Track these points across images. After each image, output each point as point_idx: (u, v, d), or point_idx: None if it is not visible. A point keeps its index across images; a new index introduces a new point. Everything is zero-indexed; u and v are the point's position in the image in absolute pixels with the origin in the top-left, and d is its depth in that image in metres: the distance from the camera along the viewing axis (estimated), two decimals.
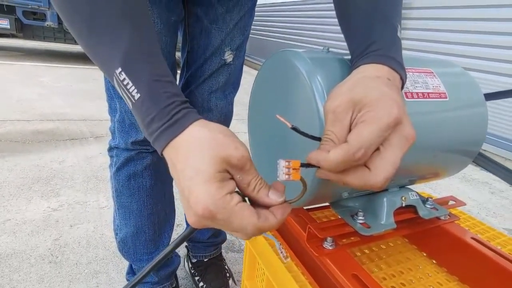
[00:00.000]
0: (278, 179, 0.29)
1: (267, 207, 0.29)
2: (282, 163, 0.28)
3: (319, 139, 0.31)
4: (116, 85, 0.30)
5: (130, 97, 0.30)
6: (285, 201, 0.30)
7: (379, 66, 0.33)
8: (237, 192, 0.29)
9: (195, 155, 0.27)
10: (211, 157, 0.27)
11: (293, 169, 0.28)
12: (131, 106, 0.30)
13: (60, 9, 0.31)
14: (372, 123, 0.28)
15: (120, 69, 0.29)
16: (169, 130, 0.29)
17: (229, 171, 0.28)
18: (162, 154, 0.30)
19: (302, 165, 0.29)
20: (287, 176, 0.28)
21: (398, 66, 0.34)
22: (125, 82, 0.29)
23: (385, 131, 0.28)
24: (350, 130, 0.30)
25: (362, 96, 0.30)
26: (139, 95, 0.29)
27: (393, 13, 0.38)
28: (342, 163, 0.28)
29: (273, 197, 0.29)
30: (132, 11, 0.30)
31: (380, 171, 0.29)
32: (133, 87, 0.29)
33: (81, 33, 0.31)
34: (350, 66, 0.39)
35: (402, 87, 0.35)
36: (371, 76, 0.32)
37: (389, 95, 0.30)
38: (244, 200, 0.29)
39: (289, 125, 0.30)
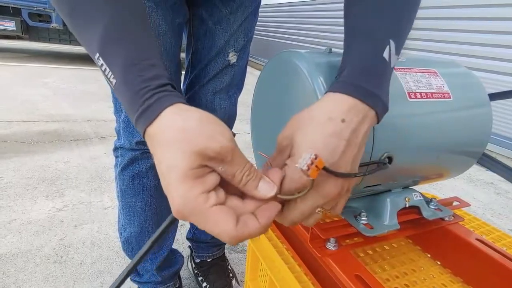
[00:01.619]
0: (297, 165, 0.26)
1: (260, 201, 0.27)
2: (309, 155, 0.26)
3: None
4: (101, 72, 0.29)
5: (109, 82, 0.28)
6: (277, 195, 0.27)
7: (343, 98, 0.29)
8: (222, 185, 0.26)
9: (166, 149, 0.25)
10: (183, 151, 0.24)
11: (316, 165, 0.26)
12: (112, 90, 0.29)
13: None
14: (288, 182, 0.28)
15: (98, 54, 0.27)
16: (142, 117, 0.26)
17: (207, 165, 0.25)
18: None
19: (325, 168, 0.27)
20: (306, 168, 0.26)
21: (370, 98, 0.30)
22: (103, 68, 0.28)
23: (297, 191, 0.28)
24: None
25: (297, 142, 0.29)
26: (115, 80, 0.27)
27: (387, 25, 0.32)
28: None
29: (263, 190, 0.26)
30: None
31: (288, 215, 0.30)
32: (110, 73, 0.27)
33: (67, 18, 0.30)
34: None
35: (379, 118, 0.31)
36: (322, 117, 0.29)
37: (324, 145, 0.28)
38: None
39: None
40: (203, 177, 0.25)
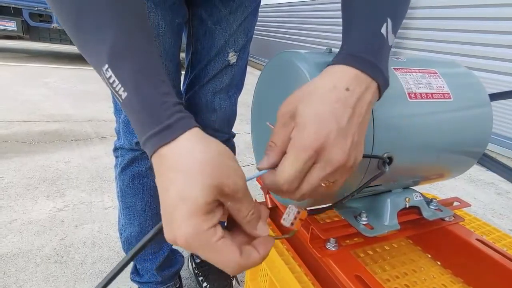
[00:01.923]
0: (282, 222, 0.30)
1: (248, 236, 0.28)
2: (294, 210, 0.29)
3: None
4: (106, 83, 0.28)
5: (118, 96, 0.27)
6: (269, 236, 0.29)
7: (346, 69, 0.30)
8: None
9: (183, 177, 0.24)
10: (203, 185, 0.24)
11: (299, 219, 0.29)
12: (120, 104, 0.28)
13: (51, 6, 0.29)
14: (292, 153, 0.28)
15: (106, 66, 0.27)
16: (158, 136, 0.25)
17: (219, 199, 0.25)
18: (151, 160, 0.27)
19: (309, 213, 0.30)
20: (291, 224, 0.30)
21: (371, 68, 0.31)
22: (111, 80, 0.27)
23: (305, 163, 0.28)
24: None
25: (301, 112, 0.29)
26: (126, 93, 0.26)
27: (384, 5, 0.34)
28: (278, 188, 0.30)
29: (261, 230, 0.28)
30: (119, 6, 0.28)
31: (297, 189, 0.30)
32: (119, 85, 0.26)
33: (70, 30, 0.29)
34: None
35: (381, 91, 0.32)
36: (326, 87, 0.30)
37: (330, 112, 0.28)
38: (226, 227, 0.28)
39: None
40: (214, 212, 0.25)
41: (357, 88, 0.30)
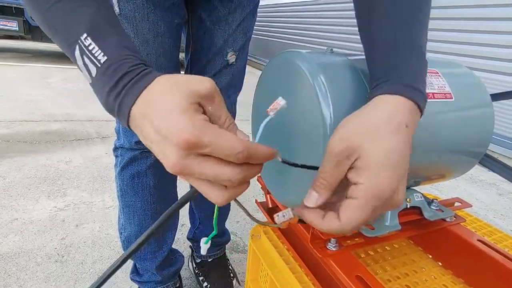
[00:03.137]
0: (275, 216, 0.32)
1: None
2: (290, 215, 0.32)
3: (313, 167, 0.32)
4: (78, 54, 0.30)
5: (96, 61, 0.29)
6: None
7: (401, 101, 0.30)
8: None
9: (167, 95, 0.26)
10: (181, 91, 0.26)
11: (288, 222, 0.33)
12: (94, 72, 0.29)
13: None
14: (364, 201, 0.27)
15: (85, 35, 0.29)
16: (140, 81, 0.28)
17: (200, 104, 0.27)
18: (128, 123, 0.29)
19: (299, 221, 0.34)
20: (280, 223, 0.33)
21: (422, 99, 0.31)
22: (90, 47, 0.29)
23: (374, 210, 0.28)
24: (345, 175, 0.29)
25: (369, 154, 0.28)
26: (105, 57, 0.29)
27: (420, 33, 0.34)
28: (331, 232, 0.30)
29: (240, 135, 0.28)
30: None
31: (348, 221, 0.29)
32: (99, 51, 0.29)
33: (42, 5, 0.31)
34: (354, 67, 0.38)
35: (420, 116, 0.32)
36: (389, 124, 0.28)
37: (399, 155, 0.28)
38: None
39: (280, 159, 0.31)
40: (201, 113, 0.27)
41: (412, 124, 0.30)
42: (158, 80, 0.28)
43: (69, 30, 0.30)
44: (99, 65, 0.29)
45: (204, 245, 0.32)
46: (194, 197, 0.30)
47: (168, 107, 0.26)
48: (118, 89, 0.28)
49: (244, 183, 0.27)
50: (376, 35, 0.35)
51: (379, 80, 0.33)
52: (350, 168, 0.29)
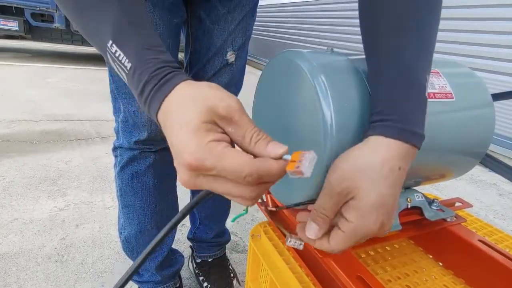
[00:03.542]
0: (286, 241, 0.37)
1: None
2: (300, 247, 0.37)
3: (310, 202, 0.35)
4: (111, 61, 0.30)
5: (123, 68, 0.29)
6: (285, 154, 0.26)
7: (396, 145, 0.31)
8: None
9: (182, 109, 0.26)
10: (196, 107, 0.26)
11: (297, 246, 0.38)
12: (125, 78, 0.30)
13: None
14: (352, 236, 0.31)
15: (111, 42, 0.29)
16: (160, 91, 0.28)
17: (218, 124, 0.26)
18: (158, 121, 0.29)
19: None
20: (292, 245, 0.38)
21: (420, 139, 0.32)
22: (117, 54, 0.29)
23: (360, 239, 0.32)
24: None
25: (363, 196, 0.30)
26: (130, 64, 0.29)
27: (422, 63, 0.33)
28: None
29: (272, 149, 0.26)
30: None
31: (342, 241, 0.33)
32: (124, 57, 0.29)
33: (72, 12, 0.31)
34: (355, 67, 0.38)
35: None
36: (383, 169, 0.30)
37: (390, 197, 0.30)
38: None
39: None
40: (214, 131, 0.26)
41: (406, 165, 0.31)
42: (178, 89, 0.28)
43: (99, 38, 0.31)
44: (126, 71, 0.30)
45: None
46: (213, 195, 0.29)
47: (181, 122, 0.26)
48: (145, 96, 0.29)
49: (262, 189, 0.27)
50: (381, 67, 0.35)
51: (378, 114, 0.33)
52: (344, 202, 0.32)
